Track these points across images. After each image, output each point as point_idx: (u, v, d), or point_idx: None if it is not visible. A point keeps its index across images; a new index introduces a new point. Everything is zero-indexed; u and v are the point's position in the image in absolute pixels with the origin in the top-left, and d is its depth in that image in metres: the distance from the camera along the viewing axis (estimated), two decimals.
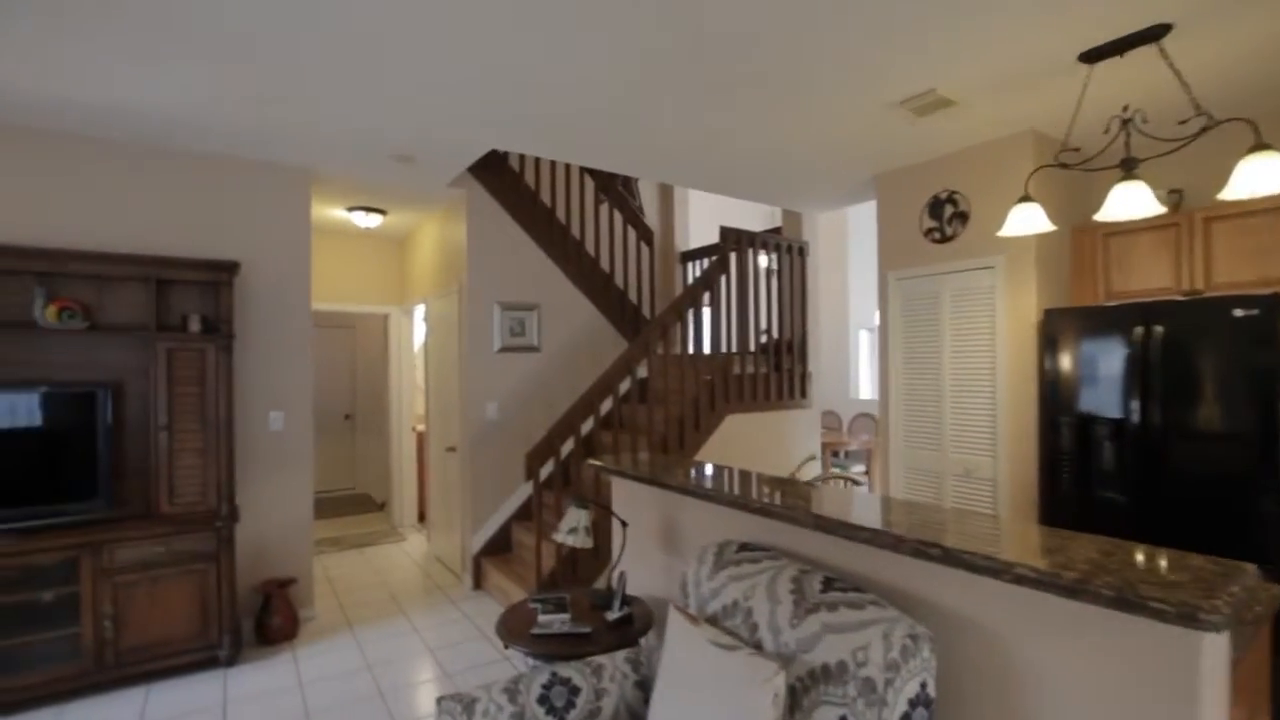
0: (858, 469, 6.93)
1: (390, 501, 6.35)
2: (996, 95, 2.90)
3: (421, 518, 6.20)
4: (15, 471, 2.91)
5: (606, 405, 4.93)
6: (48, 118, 3.03)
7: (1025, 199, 2.67)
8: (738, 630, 1.66)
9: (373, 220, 4.88)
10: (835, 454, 7.16)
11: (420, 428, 6.23)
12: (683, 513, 2.34)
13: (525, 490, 4.59)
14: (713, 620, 1.74)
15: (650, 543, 2.54)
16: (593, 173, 4.96)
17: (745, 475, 2.30)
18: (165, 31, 2.29)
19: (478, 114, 3.04)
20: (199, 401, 3.25)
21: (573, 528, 2.29)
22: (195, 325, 3.30)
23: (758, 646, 1.56)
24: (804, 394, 5.02)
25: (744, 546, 1.90)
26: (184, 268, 3.22)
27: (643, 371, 5.18)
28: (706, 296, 5.09)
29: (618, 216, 5.29)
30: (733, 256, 4.54)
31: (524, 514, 4.56)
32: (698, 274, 5.53)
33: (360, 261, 5.92)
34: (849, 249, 8.58)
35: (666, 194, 5.89)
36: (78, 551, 2.88)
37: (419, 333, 6.37)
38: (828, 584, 1.56)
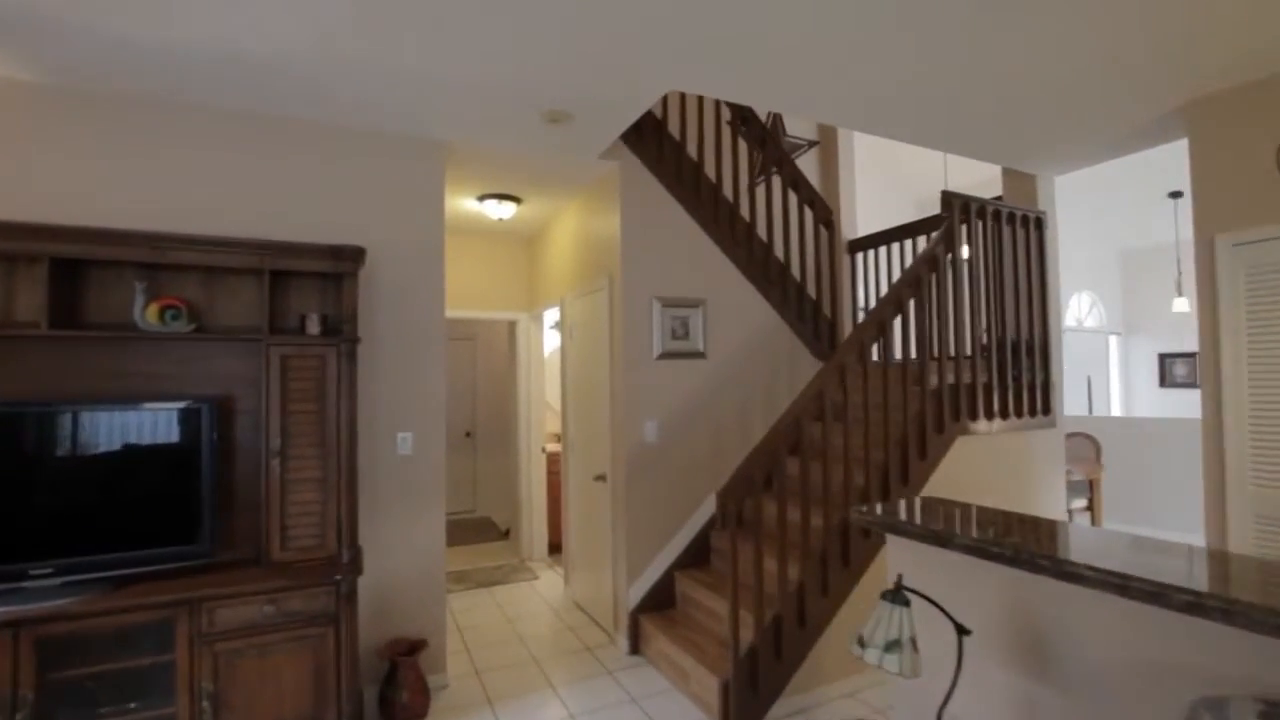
0: (1078, 503, 5.53)
1: (517, 530, 5.68)
2: None
3: (552, 549, 5.47)
4: (107, 506, 2.35)
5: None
6: (148, 79, 2.50)
7: None
8: None
9: (506, 210, 4.23)
10: None
11: (551, 448, 5.53)
12: (1072, 614, 1.34)
13: (690, 531, 3.70)
14: None
15: (984, 653, 1.55)
16: (761, 142, 4.06)
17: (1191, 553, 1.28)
18: None
19: (660, 40, 2.22)
20: (318, 420, 2.61)
21: (892, 641, 1.34)
22: (314, 327, 2.68)
23: None
24: (1046, 409, 3.83)
25: None
26: (302, 255, 2.60)
27: None
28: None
29: (791, 195, 4.34)
30: (962, 231, 3.47)
31: (691, 560, 3.67)
32: (871, 268, 4.48)
33: (484, 263, 5.33)
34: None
35: (829, 169, 4.87)
36: (172, 610, 2.26)
37: (549, 341, 5.70)
38: None
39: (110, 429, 2.38)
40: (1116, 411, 8.22)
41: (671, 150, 3.73)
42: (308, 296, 2.81)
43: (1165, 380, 7.91)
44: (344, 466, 2.61)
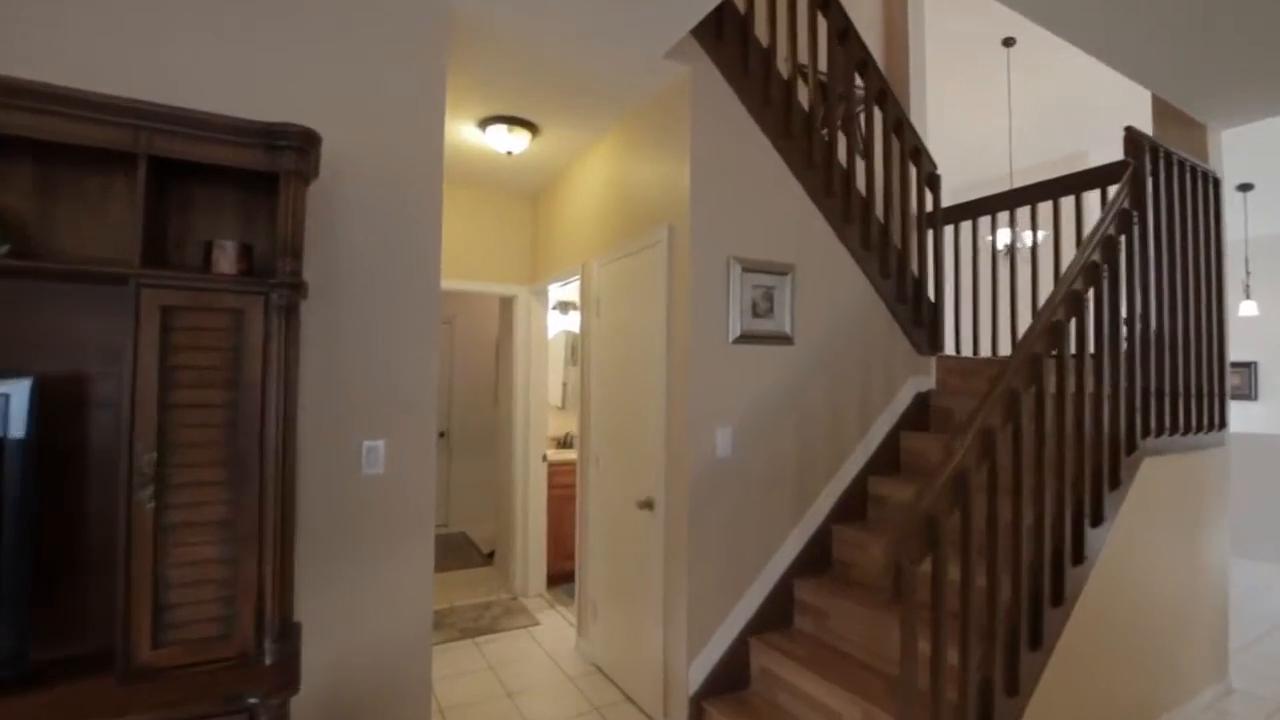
0: None
1: (506, 554, 4.61)
2: None
3: (552, 581, 4.42)
4: None
5: (880, 434, 3.05)
6: None
7: None
8: None
9: (517, 141, 3.17)
10: None
11: (553, 456, 4.48)
12: None
13: (768, 579, 2.70)
14: None
15: None
16: (861, 66, 3.08)
17: None
18: None
19: None
20: (227, 419, 1.53)
21: None
22: (227, 262, 1.60)
23: None
24: (1223, 422, 2.97)
25: None
26: (211, 136, 1.51)
27: (924, 383, 3.25)
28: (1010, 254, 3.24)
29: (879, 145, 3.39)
30: (1148, 185, 2.57)
31: (769, 620, 2.67)
32: (953, 244, 3.60)
33: (474, 223, 4.25)
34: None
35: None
36: None
37: (553, 322, 4.65)
38: None
39: None
40: None
41: (759, 61, 2.73)
42: (221, 214, 1.72)
43: None
44: (271, 497, 1.54)
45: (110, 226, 1.60)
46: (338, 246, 1.97)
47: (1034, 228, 3.53)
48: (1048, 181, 3.34)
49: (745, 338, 2.61)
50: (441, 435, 6.25)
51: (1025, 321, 3.94)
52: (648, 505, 2.73)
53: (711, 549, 2.56)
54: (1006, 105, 5.26)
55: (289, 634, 1.57)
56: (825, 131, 2.94)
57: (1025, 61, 4.48)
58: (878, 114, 3.15)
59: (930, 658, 1.73)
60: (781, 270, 2.72)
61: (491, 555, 5.17)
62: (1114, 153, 3.63)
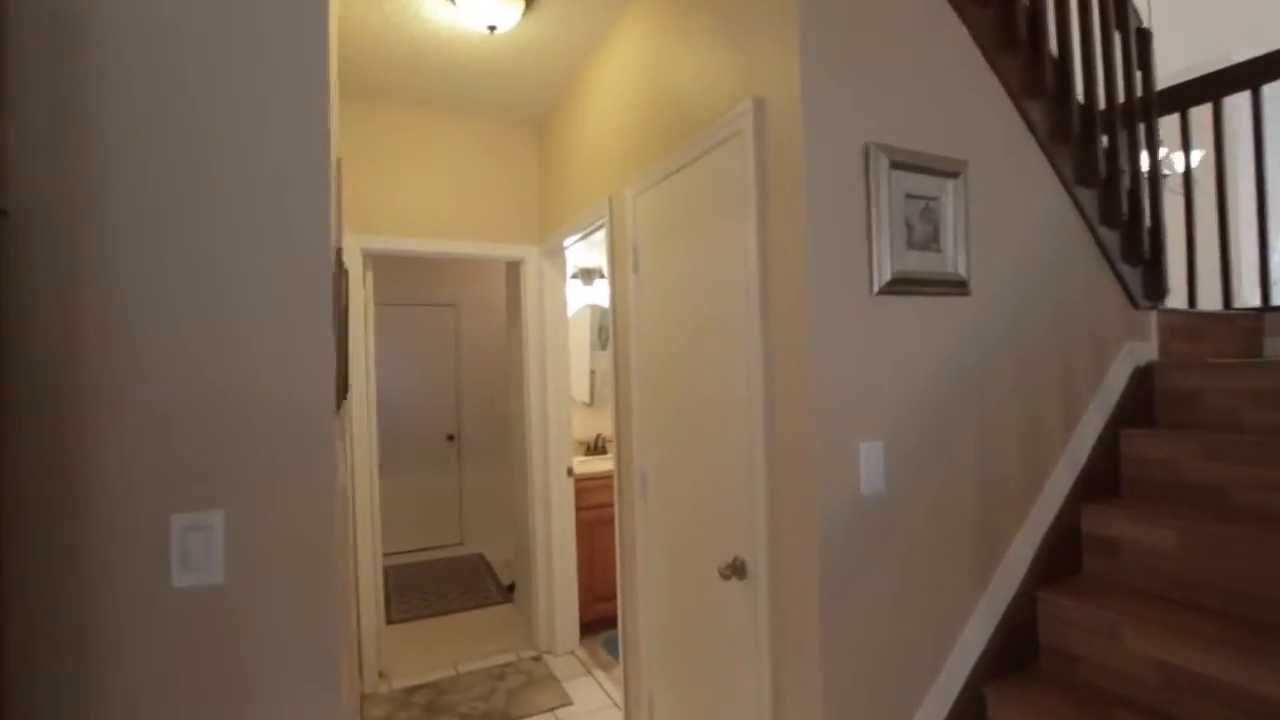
0: None
1: (527, 591, 3.60)
2: None
3: (585, 629, 3.42)
4: None
5: (1090, 436, 1.94)
6: None
7: None
8: None
9: (504, 10, 2.10)
10: None
11: (581, 466, 3.45)
12: None
13: (943, 695, 1.62)
14: None
15: None
16: None
17: None
18: None
19: None
20: None
21: None
22: None
23: None
24: None
25: None
26: None
27: (1144, 351, 2.11)
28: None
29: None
30: None
31: None
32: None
33: (462, 169, 3.20)
34: None
35: None
36: None
37: (574, 295, 3.61)
38: None
39: None
40: None
41: None
42: None
43: None
44: None
45: None
46: (112, 134, 0.93)
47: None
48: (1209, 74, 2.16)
49: (898, 284, 1.51)
50: (450, 439, 5.29)
51: (1247, 257, 2.77)
52: (737, 571, 1.67)
53: (857, 646, 1.48)
54: None
55: None
56: None
57: None
58: None
59: None
60: (948, 170, 1.60)
61: (512, 588, 4.19)
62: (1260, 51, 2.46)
